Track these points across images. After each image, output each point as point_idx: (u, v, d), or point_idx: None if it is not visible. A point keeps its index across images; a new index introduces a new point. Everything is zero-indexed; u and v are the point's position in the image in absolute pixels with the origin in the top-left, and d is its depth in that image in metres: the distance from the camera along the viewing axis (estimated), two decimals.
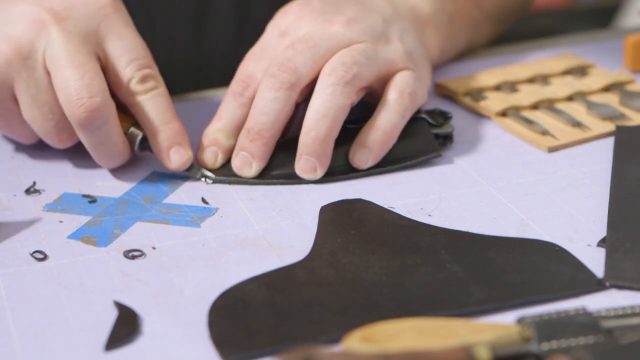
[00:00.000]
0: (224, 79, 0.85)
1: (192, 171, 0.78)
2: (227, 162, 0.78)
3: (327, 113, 0.75)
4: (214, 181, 0.77)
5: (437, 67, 0.93)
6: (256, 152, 0.77)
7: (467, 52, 0.98)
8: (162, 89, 0.78)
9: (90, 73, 0.74)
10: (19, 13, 0.75)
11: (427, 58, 0.83)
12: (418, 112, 0.80)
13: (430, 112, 0.81)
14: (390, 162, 0.78)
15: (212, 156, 0.78)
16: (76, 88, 0.73)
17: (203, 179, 0.77)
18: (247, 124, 0.77)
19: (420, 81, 0.80)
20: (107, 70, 0.77)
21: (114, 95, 0.77)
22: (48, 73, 0.75)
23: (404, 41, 0.80)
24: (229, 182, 0.77)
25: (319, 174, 0.76)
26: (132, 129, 0.78)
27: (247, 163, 0.77)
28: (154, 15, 0.98)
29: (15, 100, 0.76)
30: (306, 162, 0.76)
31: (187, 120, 0.81)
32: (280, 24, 0.81)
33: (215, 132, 0.79)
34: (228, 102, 0.79)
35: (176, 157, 0.77)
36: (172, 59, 0.98)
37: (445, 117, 0.81)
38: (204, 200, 0.75)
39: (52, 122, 0.76)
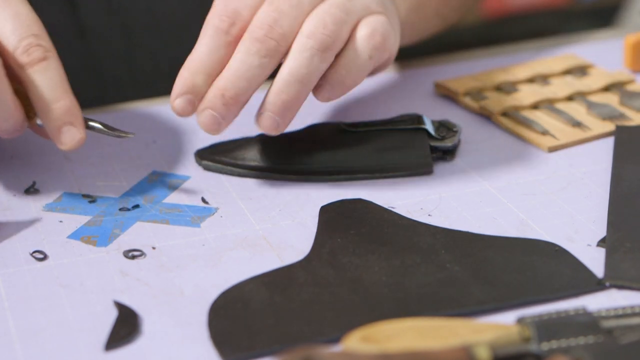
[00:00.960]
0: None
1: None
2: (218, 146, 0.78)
3: (302, 79, 0.73)
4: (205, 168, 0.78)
5: (406, 44, 0.90)
6: (227, 115, 0.73)
7: (441, 28, 0.96)
8: (53, 61, 0.71)
9: None
10: None
11: (396, 12, 0.81)
12: (421, 121, 0.79)
13: (438, 123, 0.80)
14: (379, 171, 0.77)
15: (187, 106, 0.73)
16: None
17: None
18: (221, 83, 0.72)
19: (393, 28, 0.77)
20: None
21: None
22: None
23: None
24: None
25: (280, 131, 0.74)
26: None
27: (215, 123, 0.72)
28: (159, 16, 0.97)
29: None
30: (269, 119, 0.73)
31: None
32: None
33: (194, 75, 0.73)
34: (209, 39, 0.73)
35: (67, 138, 0.71)
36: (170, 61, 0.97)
37: (450, 130, 0.79)
38: (204, 200, 0.75)
39: None
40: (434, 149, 0.78)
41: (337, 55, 0.75)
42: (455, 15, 0.98)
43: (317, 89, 0.75)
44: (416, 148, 0.78)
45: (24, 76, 0.71)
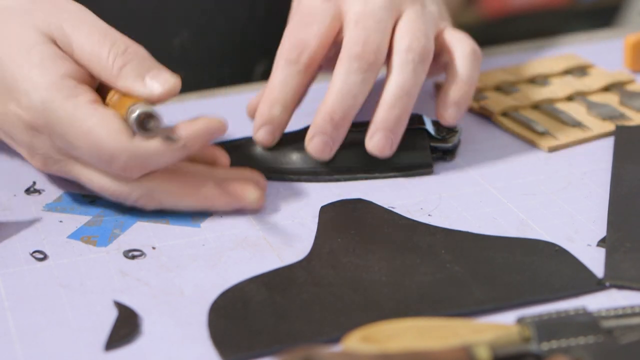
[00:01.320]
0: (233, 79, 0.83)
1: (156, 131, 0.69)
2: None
3: (410, 91, 0.75)
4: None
5: None
6: (337, 137, 0.75)
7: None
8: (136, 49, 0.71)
9: None
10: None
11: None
12: (422, 122, 0.79)
13: (438, 124, 0.79)
14: (379, 171, 0.77)
15: (268, 136, 0.77)
16: None
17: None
18: (328, 107, 0.75)
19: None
20: (75, 56, 0.71)
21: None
22: None
23: None
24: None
25: (391, 151, 0.76)
26: (132, 108, 0.69)
27: (327, 147, 0.75)
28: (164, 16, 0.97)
29: None
30: (384, 138, 0.75)
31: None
32: None
33: (271, 106, 0.76)
34: (280, 71, 0.76)
35: (157, 84, 0.70)
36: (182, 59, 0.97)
37: (451, 130, 0.79)
38: None
39: None
40: (434, 149, 0.78)
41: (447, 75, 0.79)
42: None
43: (443, 113, 0.78)
44: (416, 148, 0.77)
45: (116, 76, 0.71)
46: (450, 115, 0.78)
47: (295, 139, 0.78)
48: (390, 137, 0.75)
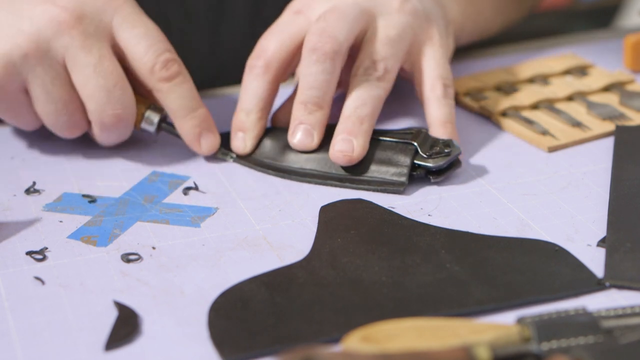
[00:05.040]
0: (239, 77, 0.85)
1: (217, 153, 0.80)
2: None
3: (367, 102, 0.77)
4: (234, 160, 0.79)
5: (469, 40, 0.94)
6: (316, 123, 0.78)
7: (501, 26, 0.99)
8: (186, 75, 0.79)
9: (120, 83, 0.76)
10: (35, 12, 0.76)
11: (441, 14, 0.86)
12: (418, 135, 0.77)
13: (439, 142, 0.77)
14: (353, 182, 0.76)
15: (240, 143, 0.80)
16: (109, 99, 0.76)
17: (226, 158, 0.80)
18: (299, 98, 0.78)
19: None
20: (124, 59, 0.78)
21: (131, 80, 0.79)
22: (66, 71, 0.76)
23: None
24: (248, 165, 0.79)
25: (355, 154, 0.77)
26: (149, 113, 0.80)
27: (309, 134, 0.78)
28: (170, 18, 0.98)
29: (25, 91, 0.77)
30: (343, 142, 0.77)
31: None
32: (295, 4, 0.82)
33: (238, 113, 0.80)
34: (244, 80, 0.80)
35: (206, 144, 0.79)
36: (188, 60, 0.98)
37: (442, 151, 0.76)
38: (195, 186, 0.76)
39: (65, 116, 0.77)
40: (417, 166, 0.76)
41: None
42: (513, 14, 1.02)
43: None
44: (396, 165, 0.76)
45: (162, 89, 0.78)
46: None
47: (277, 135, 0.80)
48: (350, 140, 0.76)
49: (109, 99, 0.76)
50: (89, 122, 0.79)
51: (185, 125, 0.79)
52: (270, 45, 0.80)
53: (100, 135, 0.79)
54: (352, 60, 0.81)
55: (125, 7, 0.78)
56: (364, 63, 0.79)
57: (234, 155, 0.80)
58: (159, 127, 0.80)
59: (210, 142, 0.79)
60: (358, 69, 0.79)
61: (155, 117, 0.80)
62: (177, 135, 0.80)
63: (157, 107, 0.80)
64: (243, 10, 1.00)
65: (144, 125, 0.80)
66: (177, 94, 0.78)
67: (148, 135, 0.82)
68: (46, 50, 0.76)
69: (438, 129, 0.79)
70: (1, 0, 0.78)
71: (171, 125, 0.80)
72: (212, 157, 0.80)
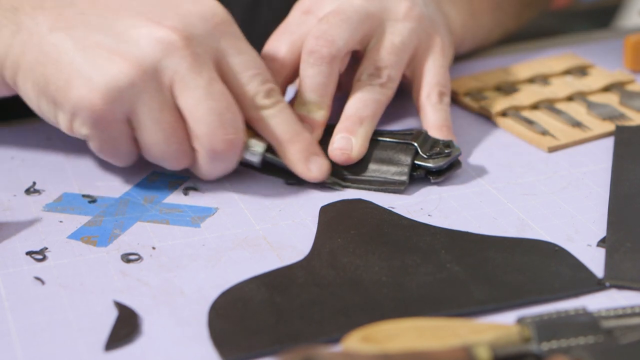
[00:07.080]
0: None
1: (327, 181, 0.76)
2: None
3: (368, 105, 0.78)
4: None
5: (467, 51, 0.95)
6: (316, 124, 0.78)
7: (499, 37, 1.00)
8: (285, 102, 0.76)
9: (232, 106, 0.72)
10: (141, 34, 0.72)
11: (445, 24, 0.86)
12: (419, 136, 0.77)
13: (439, 142, 0.77)
14: (354, 181, 0.76)
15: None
16: (221, 122, 0.72)
17: (336, 187, 0.76)
18: (298, 100, 0.78)
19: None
20: (227, 84, 0.74)
21: None
22: (173, 96, 0.72)
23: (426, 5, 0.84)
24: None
25: (354, 153, 0.78)
26: (253, 142, 0.75)
27: (314, 136, 0.78)
28: None
29: (128, 121, 0.73)
30: (341, 140, 0.78)
31: None
32: (304, 3, 0.82)
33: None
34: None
35: (316, 168, 0.76)
36: None
37: (442, 152, 0.76)
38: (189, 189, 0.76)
39: (174, 145, 0.73)
40: (417, 167, 0.76)
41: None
42: (511, 23, 1.02)
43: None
44: (397, 164, 0.76)
45: (265, 115, 0.75)
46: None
47: None
48: (349, 138, 0.77)
49: (221, 122, 0.72)
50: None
51: (292, 149, 0.75)
52: (282, 47, 0.80)
53: (208, 164, 0.74)
54: (356, 64, 0.81)
55: (232, 32, 0.74)
56: (367, 69, 0.79)
57: (343, 184, 0.76)
58: (262, 157, 0.76)
59: (320, 166, 0.75)
60: (362, 75, 0.79)
61: (259, 147, 0.75)
62: (283, 165, 0.76)
63: (260, 137, 0.76)
64: (242, 15, 1.00)
65: (247, 155, 0.75)
66: (280, 119, 0.75)
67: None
68: (153, 75, 0.71)
69: (435, 132, 0.79)
70: (98, 22, 0.73)
71: (274, 154, 0.76)
72: (313, 184, 0.76)
